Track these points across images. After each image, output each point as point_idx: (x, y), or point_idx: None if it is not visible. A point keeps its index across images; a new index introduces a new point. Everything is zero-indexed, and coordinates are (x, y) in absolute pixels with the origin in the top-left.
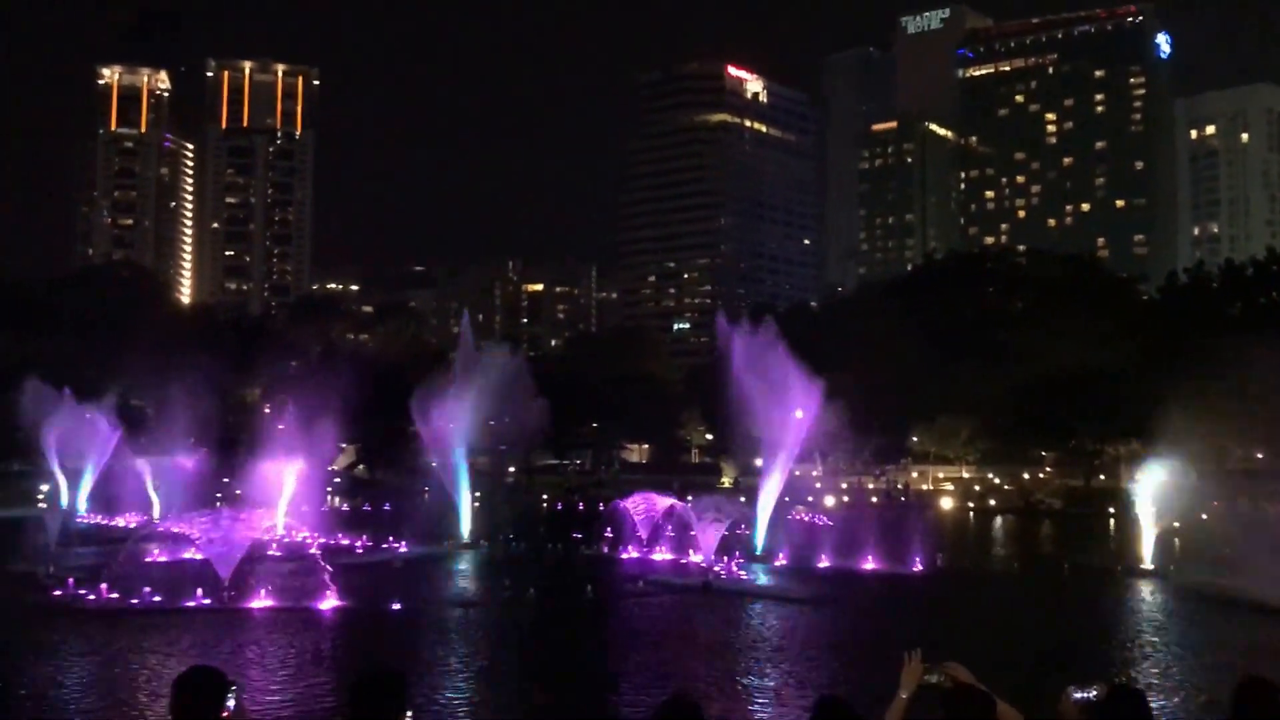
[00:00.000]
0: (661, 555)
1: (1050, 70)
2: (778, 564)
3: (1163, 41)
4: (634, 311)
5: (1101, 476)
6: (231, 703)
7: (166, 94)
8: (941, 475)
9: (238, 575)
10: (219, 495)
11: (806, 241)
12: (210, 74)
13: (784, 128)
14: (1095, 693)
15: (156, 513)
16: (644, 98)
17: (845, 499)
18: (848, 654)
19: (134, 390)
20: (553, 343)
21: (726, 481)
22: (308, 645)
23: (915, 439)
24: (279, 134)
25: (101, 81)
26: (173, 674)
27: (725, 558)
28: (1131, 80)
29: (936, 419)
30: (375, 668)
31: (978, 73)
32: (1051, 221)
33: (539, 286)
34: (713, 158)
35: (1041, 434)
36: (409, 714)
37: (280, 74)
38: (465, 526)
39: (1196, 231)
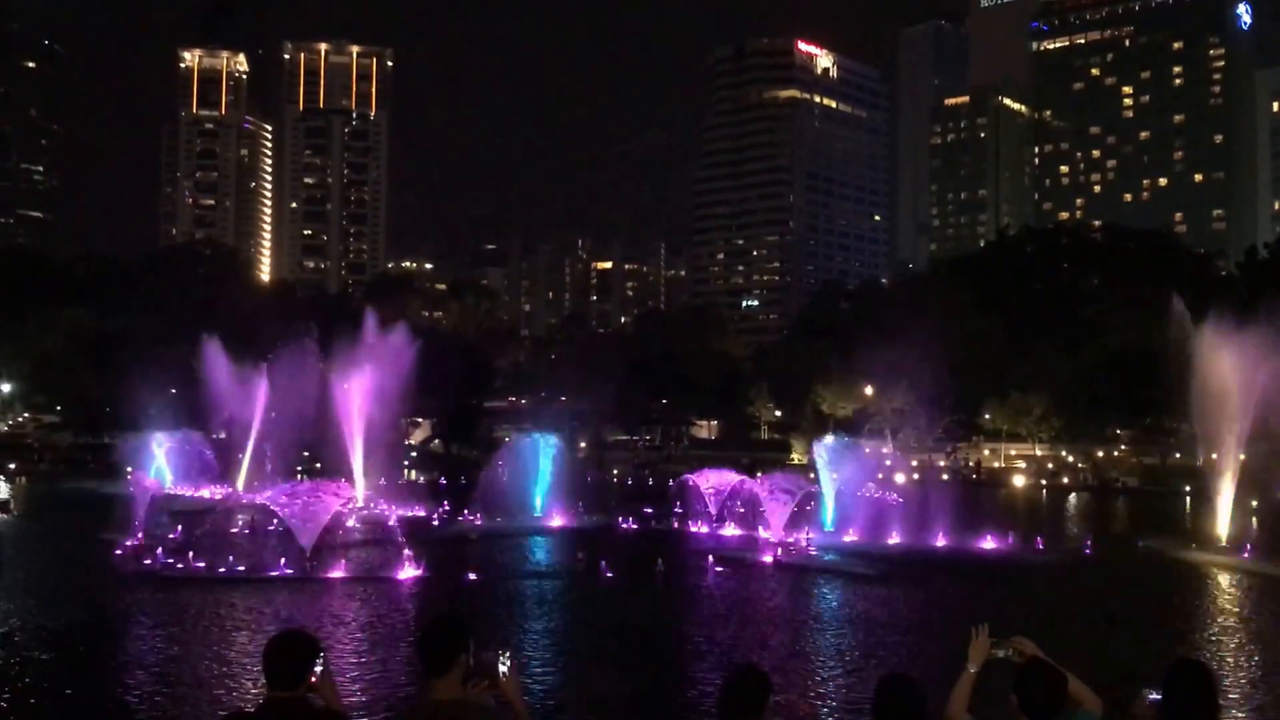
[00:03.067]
0: (731, 530)
1: (1126, 42)
2: (847, 540)
3: (1243, 12)
4: (703, 289)
5: (1177, 455)
6: (319, 667)
7: (245, 76)
8: (1014, 452)
9: (319, 545)
10: (299, 469)
11: (877, 218)
12: (287, 56)
13: (854, 103)
14: None
15: (240, 485)
16: (716, 74)
17: (915, 476)
18: (917, 629)
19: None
20: (622, 320)
21: (796, 458)
22: (386, 613)
23: (987, 416)
24: (354, 115)
25: (183, 65)
26: (259, 639)
27: (794, 533)
28: (1210, 52)
29: (1009, 396)
30: (440, 614)
31: (1052, 45)
32: (1128, 196)
33: (608, 264)
34: (783, 134)
35: (1116, 411)
36: (503, 654)
37: (355, 55)
38: (539, 501)
39: (1277, 206)
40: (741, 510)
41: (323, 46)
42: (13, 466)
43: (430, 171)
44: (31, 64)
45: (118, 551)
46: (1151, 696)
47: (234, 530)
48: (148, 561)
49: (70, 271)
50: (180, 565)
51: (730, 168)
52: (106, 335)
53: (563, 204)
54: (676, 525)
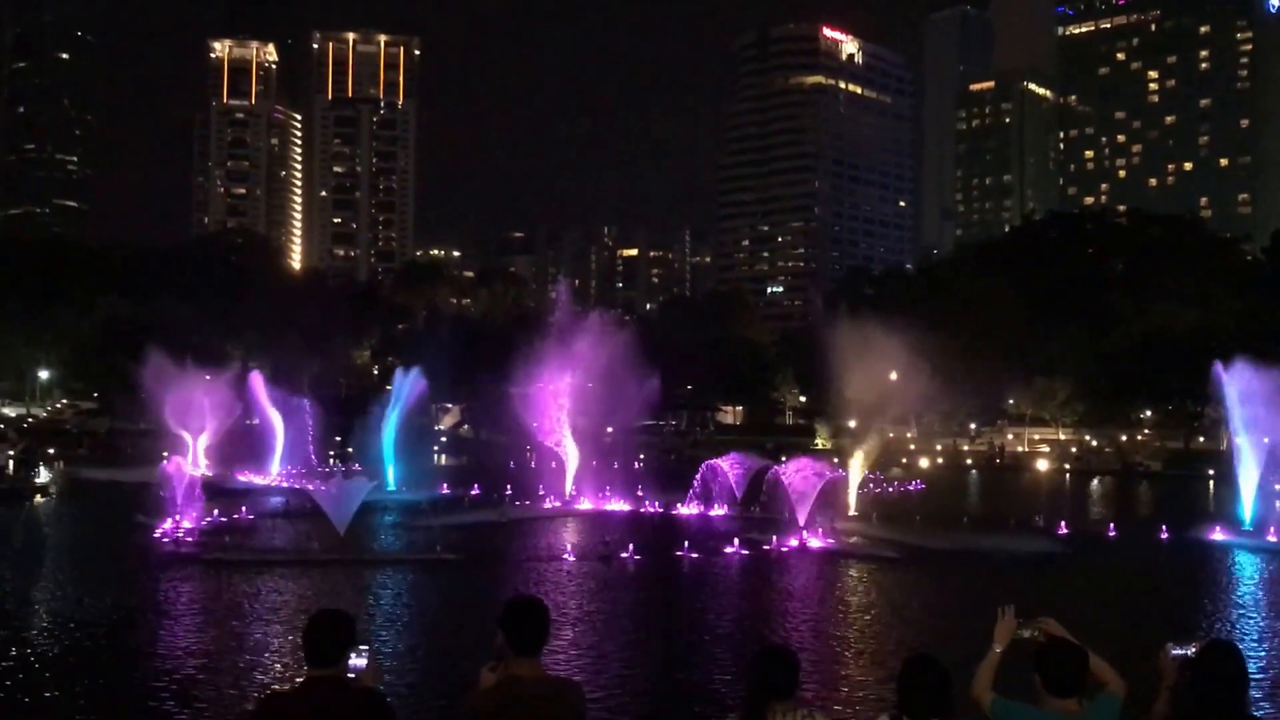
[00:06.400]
0: (754, 514)
1: (1152, 27)
2: (874, 524)
3: None
4: (728, 275)
5: (1201, 439)
6: (364, 660)
7: (274, 66)
8: (1038, 437)
9: (353, 528)
10: (332, 453)
11: (902, 204)
12: (315, 46)
13: (879, 89)
14: (1193, 649)
15: (274, 470)
16: (741, 60)
17: (940, 461)
18: (941, 612)
19: (250, 352)
20: (648, 306)
21: (820, 443)
22: (421, 596)
23: (1011, 401)
24: (382, 104)
25: (213, 55)
26: (296, 620)
27: (819, 517)
28: (1238, 35)
29: (1034, 381)
30: (524, 597)
31: (1077, 30)
32: (1153, 181)
33: (634, 251)
34: (807, 120)
35: (1141, 396)
36: None
37: (383, 44)
38: (568, 485)
39: None
40: (765, 494)
41: (351, 36)
42: (51, 452)
43: (458, 160)
44: (64, 55)
45: (156, 535)
46: (1175, 651)
47: (268, 513)
48: (182, 545)
49: (105, 260)
50: (217, 549)
51: (755, 154)
52: (139, 324)
53: (589, 191)
54: (701, 509)
